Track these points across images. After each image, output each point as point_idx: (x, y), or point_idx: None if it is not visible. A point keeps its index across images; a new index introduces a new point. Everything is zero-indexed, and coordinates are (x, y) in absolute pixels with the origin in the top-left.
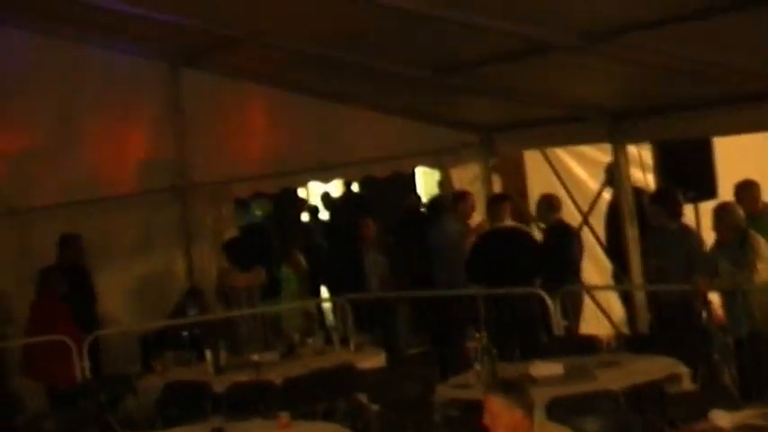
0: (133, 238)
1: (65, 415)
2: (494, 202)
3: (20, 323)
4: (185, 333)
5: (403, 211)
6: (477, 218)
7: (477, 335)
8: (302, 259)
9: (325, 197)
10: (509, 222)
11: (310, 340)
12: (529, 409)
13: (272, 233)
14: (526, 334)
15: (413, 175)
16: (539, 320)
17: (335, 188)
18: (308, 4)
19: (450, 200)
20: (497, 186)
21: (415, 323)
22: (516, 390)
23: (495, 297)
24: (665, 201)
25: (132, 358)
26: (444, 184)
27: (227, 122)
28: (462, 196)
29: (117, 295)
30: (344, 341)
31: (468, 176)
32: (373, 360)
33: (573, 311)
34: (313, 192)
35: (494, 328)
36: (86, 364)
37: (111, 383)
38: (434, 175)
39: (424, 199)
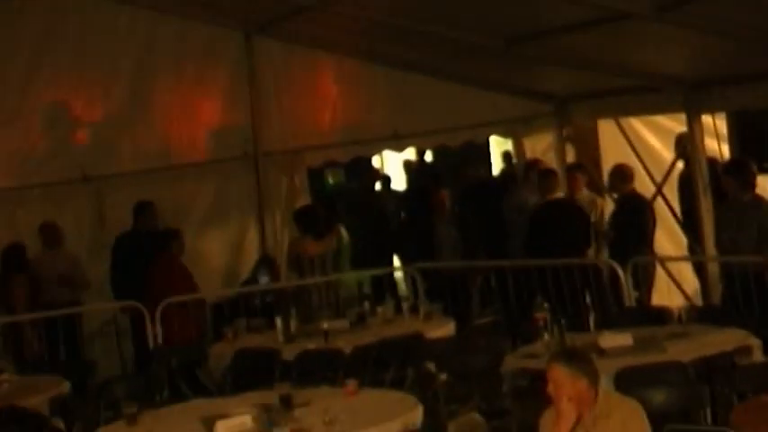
0: (206, 206)
1: (135, 380)
2: (544, 177)
3: (94, 288)
4: (257, 301)
5: (474, 180)
6: None
7: (545, 305)
8: (344, 233)
9: (407, 165)
10: (558, 194)
11: (380, 309)
12: (593, 378)
13: (343, 202)
14: (597, 304)
15: (486, 144)
16: (609, 291)
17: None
18: None
19: (522, 169)
20: (571, 156)
21: (485, 293)
22: (580, 359)
23: (565, 267)
24: (738, 171)
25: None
26: (512, 154)
27: (301, 91)
28: (534, 165)
29: (190, 263)
30: (414, 310)
31: (541, 146)
32: (442, 329)
33: (644, 282)
34: (386, 161)
35: (566, 299)
36: (159, 330)
37: (182, 349)
38: (507, 145)
39: (496, 169)
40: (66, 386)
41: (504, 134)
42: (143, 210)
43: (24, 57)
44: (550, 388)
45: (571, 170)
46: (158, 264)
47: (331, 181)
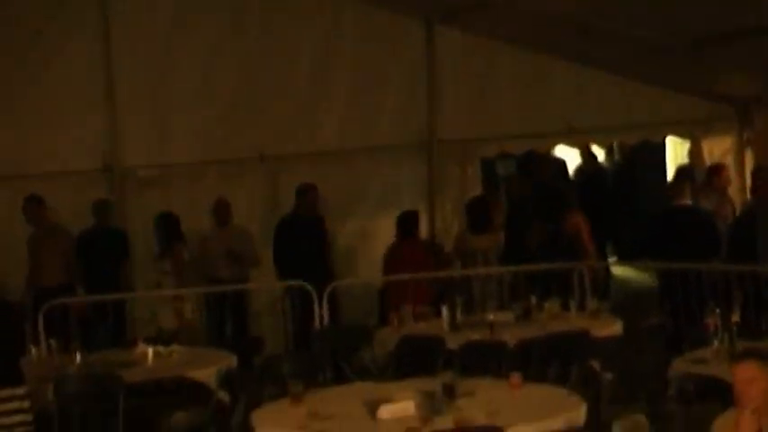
0: (378, 192)
1: (300, 358)
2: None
3: (264, 266)
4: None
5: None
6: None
7: (717, 310)
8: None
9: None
10: (686, 201)
11: (546, 304)
12: None
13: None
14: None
15: (663, 144)
16: None
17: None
18: None
19: (705, 173)
20: (749, 160)
21: (656, 294)
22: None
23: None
24: None
25: (370, 310)
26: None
27: (478, 82)
28: (718, 169)
29: (358, 247)
30: (581, 307)
31: (719, 149)
32: (609, 328)
33: None
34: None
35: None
36: (325, 311)
37: (347, 332)
38: (684, 146)
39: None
40: (233, 360)
41: (681, 135)
42: (303, 193)
43: (209, 38)
44: (738, 388)
45: (760, 173)
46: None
47: (501, 172)
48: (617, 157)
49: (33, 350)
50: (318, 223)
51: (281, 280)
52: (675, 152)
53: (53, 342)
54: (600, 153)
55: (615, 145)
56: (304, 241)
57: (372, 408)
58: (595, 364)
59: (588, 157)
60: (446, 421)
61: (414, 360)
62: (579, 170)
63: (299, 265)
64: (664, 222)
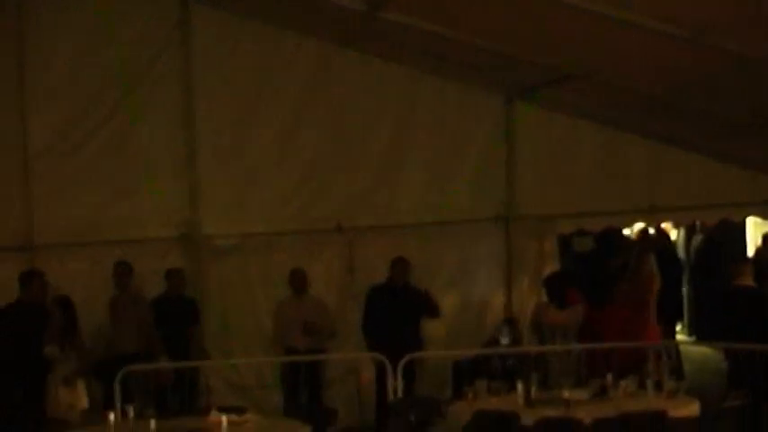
0: (455, 265)
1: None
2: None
3: (339, 336)
4: (497, 362)
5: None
6: None
7: None
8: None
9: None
10: (749, 282)
11: (623, 382)
12: None
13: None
14: None
15: (743, 224)
16: None
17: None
18: (645, 45)
19: None
20: None
21: (735, 376)
22: None
23: None
24: None
25: (444, 383)
26: None
27: (557, 158)
28: None
29: (435, 319)
30: (658, 386)
31: None
32: (686, 409)
33: None
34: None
35: None
36: (399, 383)
37: (421, 405)
38: (765, 226)
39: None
40: (307, 431)
41: (762, 215)
42: (396, 263)
43: (288, 108)
44: None
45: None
46: None
47: (577, 249)
48: (700, 235)
49: (111, 415)
50: (410, 293)
51: (369, 348)
52: (756, 232)
53: (129, 408)
54: (672, 232)
55: (698, 224)
56: (395, 309)
57: None
58: None
59: (660, 234)
60: None
61: None
62: None
63: (388, 332)
64: (723, 303)
